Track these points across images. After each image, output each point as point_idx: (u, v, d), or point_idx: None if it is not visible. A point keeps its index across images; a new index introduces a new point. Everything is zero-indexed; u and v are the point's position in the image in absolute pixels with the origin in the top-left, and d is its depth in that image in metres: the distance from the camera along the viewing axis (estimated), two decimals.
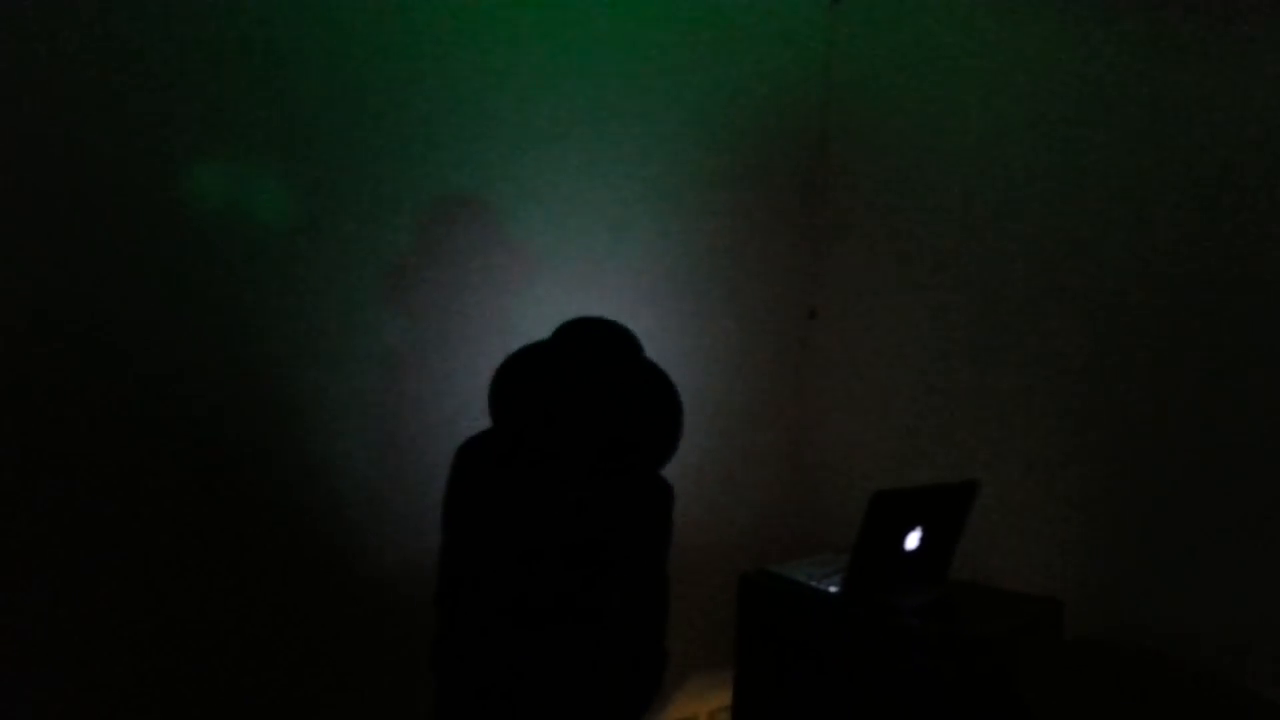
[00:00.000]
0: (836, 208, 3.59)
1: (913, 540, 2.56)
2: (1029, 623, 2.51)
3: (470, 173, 2.85)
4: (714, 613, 3.44)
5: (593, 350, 2.02)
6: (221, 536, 2.50)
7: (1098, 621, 2.62)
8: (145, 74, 2.33)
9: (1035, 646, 2.47)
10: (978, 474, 2.98)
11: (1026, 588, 2.72)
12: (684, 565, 3.22)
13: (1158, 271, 2.70)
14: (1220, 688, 2.51)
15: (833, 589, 2.59)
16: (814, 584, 2.62)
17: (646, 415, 2.03)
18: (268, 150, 2.52)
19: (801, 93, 3.58)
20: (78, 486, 2.32)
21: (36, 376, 2.26)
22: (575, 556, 1.96)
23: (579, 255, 3.08)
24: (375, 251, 2.68)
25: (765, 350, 3.60)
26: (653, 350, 2.13)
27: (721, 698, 3.06)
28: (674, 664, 2.21)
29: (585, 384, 1.97)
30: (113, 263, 2.34)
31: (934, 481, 2.65)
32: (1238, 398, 2.53)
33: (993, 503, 2.83)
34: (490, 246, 2.90)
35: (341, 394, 2.64)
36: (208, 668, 2.51)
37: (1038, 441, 2.95)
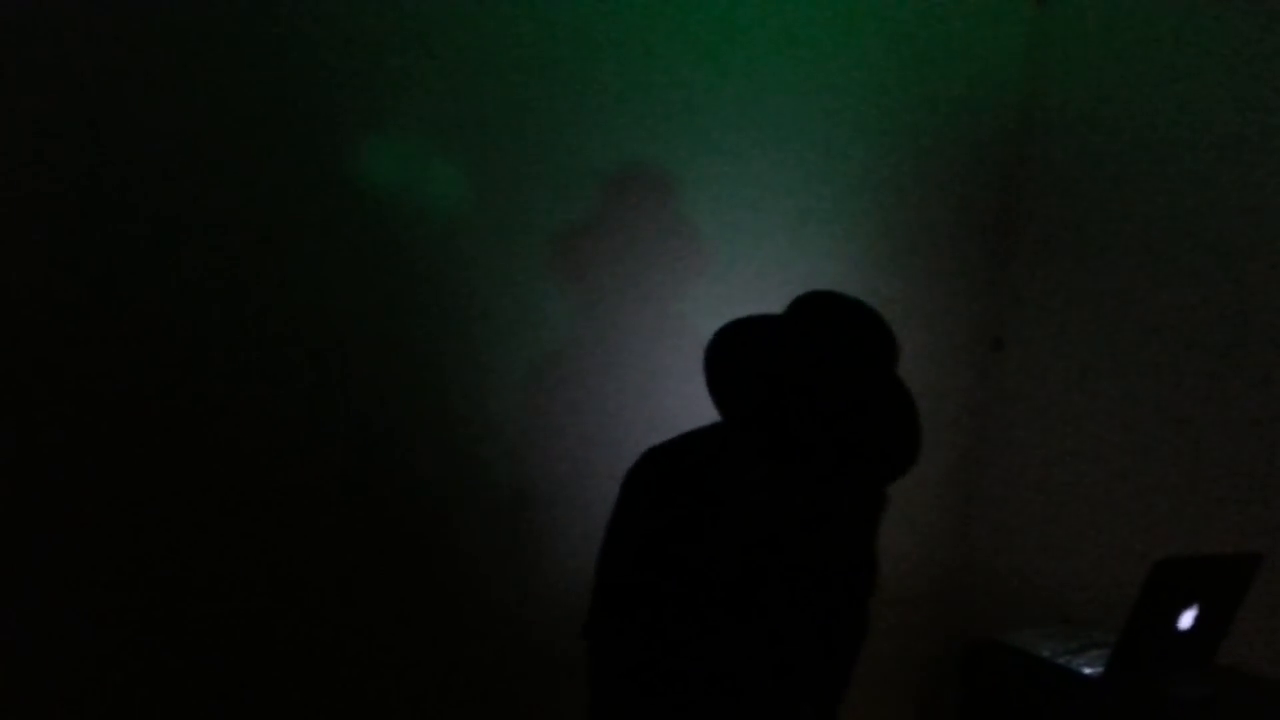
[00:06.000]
0: (1033, 227, 3.20)
1: (1187, 619, 2.16)
2: None
3: (649, 157, 2.53)
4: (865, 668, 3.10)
5: (867, 349, 1.64)
6: (359, 533, 2.23)
7: None
8: (306, 63, 2.06)
9: None
10: (1203, 542, 2.60)
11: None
12: None
13: None
14: None
15: (1087, 670, 2.20)
16: (1063, 663, 2.22)
17: (903, 430, 1.67)
18: (436, 127, 2.23)
19: (1001, 99, 3.20)
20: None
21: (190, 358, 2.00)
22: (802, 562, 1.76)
23: (752, 257, 2.74)
24: (544, 228, 2.38)
25: (940, 382, 3.21)
26: None
27: None
28: None
29: (868, 387, 1.63)
30: (275, 246, 2.07)
31: (1212, 551, 2.25)
32: None
33: None
34: (666, 233, 2.58)
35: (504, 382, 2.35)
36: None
37: None
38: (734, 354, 1.66)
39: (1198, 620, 2.18)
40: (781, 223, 2.79)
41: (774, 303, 2.73)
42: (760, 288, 2.74)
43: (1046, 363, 3.14)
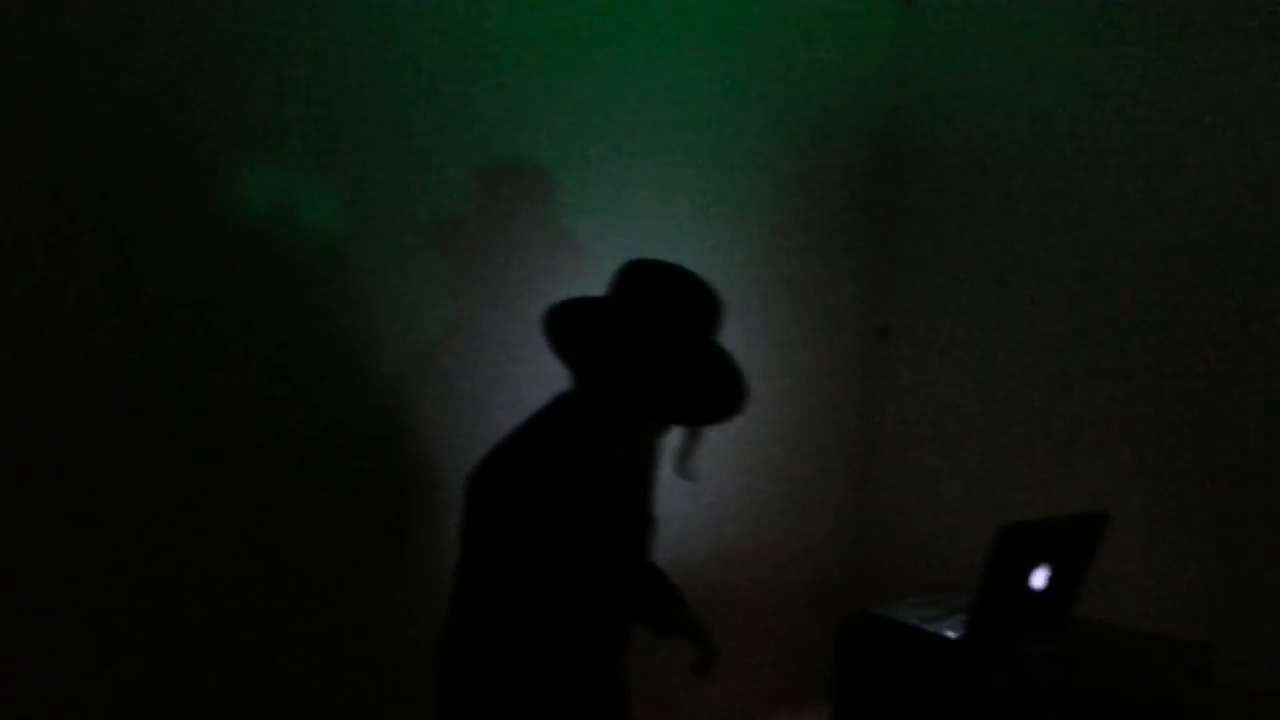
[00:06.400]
0: (910, 217, 3.35)
1: (1039, 578, 2.30)
2: (1177, 671, 2.24)
3: (530, 155, 2.64)
4: (776, 650, 3.22)
5: (688, 313, 1.86)
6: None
7: (1251, 668, 2.36)
8: (183, 76, 2.13)
9: (1187, 699, 2.20)
10: (1074, 507, 2.75)
11: (1152, 627, 2.47)
12: (739, 601, 3.05)
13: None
14: None
15: (951, 634, 2.33)
16: (929, 629, 2.35)
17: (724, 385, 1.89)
18: (313, 134, 2.31)
19: (872, 95, 3.35)
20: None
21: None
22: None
23: (637, 250, 2.80)
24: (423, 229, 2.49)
25: (829, 371, 3.34)
26: None
27: None
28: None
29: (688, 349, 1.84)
30: (146, 259, 2.14)
31: (1052, 515, 2.39)
32: None
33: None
34: (547, 229, 2.68)
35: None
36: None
37: (1154, 468, 2.70)
38: (571, 330, 1.83)
39: (1050, 579, 2.32)
40: (666, 216, 2.88)
41: None
42: None
43: (929, 349, 3.28)
